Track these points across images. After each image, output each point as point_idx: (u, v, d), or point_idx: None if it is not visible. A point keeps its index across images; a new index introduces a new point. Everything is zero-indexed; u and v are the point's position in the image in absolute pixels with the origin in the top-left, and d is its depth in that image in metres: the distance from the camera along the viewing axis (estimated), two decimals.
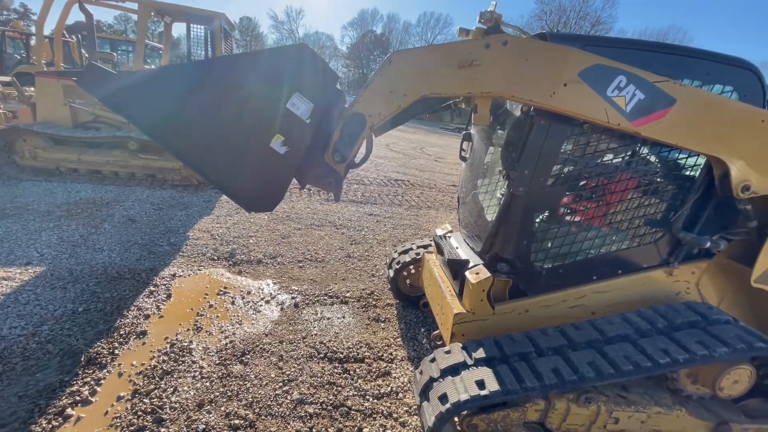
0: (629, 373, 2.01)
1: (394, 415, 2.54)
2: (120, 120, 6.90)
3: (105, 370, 2.58)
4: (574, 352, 2.18)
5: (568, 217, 2.44)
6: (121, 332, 2.96)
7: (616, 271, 2.57)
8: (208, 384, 2.57)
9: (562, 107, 2.07)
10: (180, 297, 3.54)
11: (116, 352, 2.75)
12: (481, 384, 2.03)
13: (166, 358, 2.74)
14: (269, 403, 2.48)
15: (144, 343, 2.89)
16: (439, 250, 3.20)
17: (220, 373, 2.67)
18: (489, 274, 2.47)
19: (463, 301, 2.61)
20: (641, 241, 2.53)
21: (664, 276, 2.58)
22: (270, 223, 5.68)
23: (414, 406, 2.63)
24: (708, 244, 2.35)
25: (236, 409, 2.39)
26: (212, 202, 6.33)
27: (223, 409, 2.39)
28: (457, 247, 3.00)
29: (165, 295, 3.51)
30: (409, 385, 2.84)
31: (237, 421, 2.31)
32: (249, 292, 3.77)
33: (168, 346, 2.86)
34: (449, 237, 3.24)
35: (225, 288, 3.79)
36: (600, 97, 2.04)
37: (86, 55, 9.09)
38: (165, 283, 3.73)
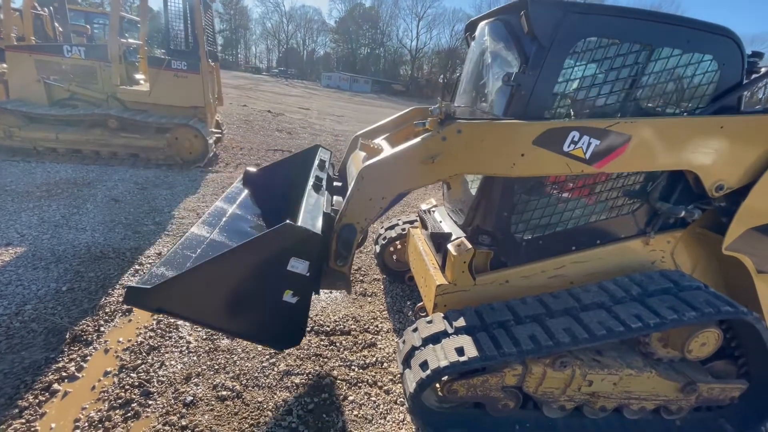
0: (602, 338, 2.09)
1: (379, 384, 2.62)
2: (98, 96, 6.69)
3: (91, 347, 2.59)
4: (552, 319, 2.25)
5: (547, 189, 2.47)
6: (107, 310, 2.96)
7: (595, 241, 2.62)
8: (195, 358, 2.61)
9: (525, 174, 2.22)
10: None
11: (102, 329, 2.77)
12: (460, 351, 2.10)
13: (152, 334, 2.76)
14: (256, 374, 2.53)
15: (130, 321, 2.90)
16: (424, 225, 3.23)
17: (207, 348, 2.71)
18: (470, 246, 2.51)
19: (445, 273, 2.66)
20: (619, 212, 2.57)
21: (641, 246, 2.65)
22: None
23: (398, 375, 2.71)
24: (683, 214, 2.40)
25: (223, 381, 2.44)
26: (197, 181, 6.24)
27: (210, 381, 2.44)
28: (440, 221, 3.03)
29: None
30: (393, 355, 2.91)
31: (224, 392, 2.36)
32: None
33: (154, 322, 2.88)
34: (433, 211, 3.26)
35: None
36: (558, 155, 2.17)
37: (60, 29, 8.69)
38: (151, 262, 3.71)
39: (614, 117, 2.27)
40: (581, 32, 2.12)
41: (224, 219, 2.79)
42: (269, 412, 2.27)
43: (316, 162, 3.08)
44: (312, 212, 2.05)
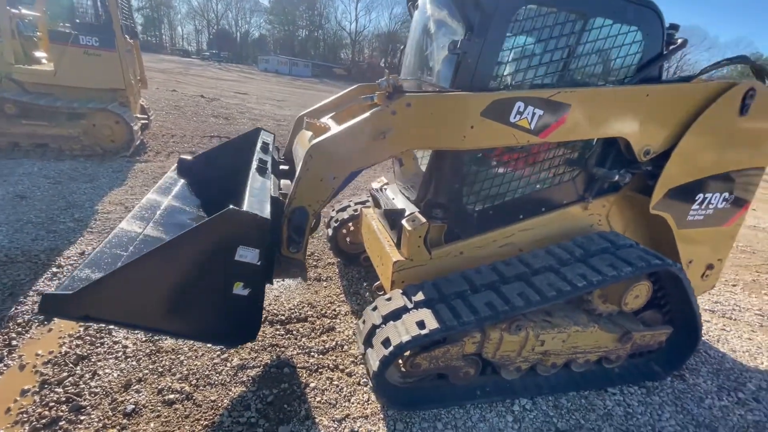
0: (553, 299, 2.19)
1: (341, 367, 2.56)
2: None
3: (1, 364, 2.24)
4: (506, 285, 2.32)
5: (495, 160, 2.51)
6: (19, 321, 2.57)
7: (540, 209, 2.73)
8: (134, 363, 2.36)
9: (475, 146, 2.23)
10: None
11: (14, 343, 2.39)
12: (421, 324, 2.09)
13: (80, 342, 2.45)
14: (207, 373, 2.35)
15: (50, 330, 2.55)
16: (376, 203, 3.17)
17: (147, 351, 2.46)
18: (425, 221, 2.50)
19: (401, 249, 2.63)
20: (561, 179, 2.70)
21: (581, 210, 2.81)
22: None
23: (359, 357, 2.67)
24: (616, 178, 2.57)
25: (170, 384, 2.24)
26: (123, 172, 5.63)
27: (154, 386, 2.22)
28: (393, 198, 2.98)
29: None
30: (353, 337, 2.86)
31: (172, 396, 2.16)
32: None
33: (81, 329, 2.55)
34: (385, 189, 3.21)
35: None
36: (506, 126, 2.20)
37: None
38: (72, 263, 3.29)
39: (554, 87, 2.34)
40: None
41: (159, 212, 2.51)
42: (224, 411, 2.12)
43: (259, 145, 2.87)
44: (258, 196, 1.90)
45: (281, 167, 3.02)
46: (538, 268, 2.41)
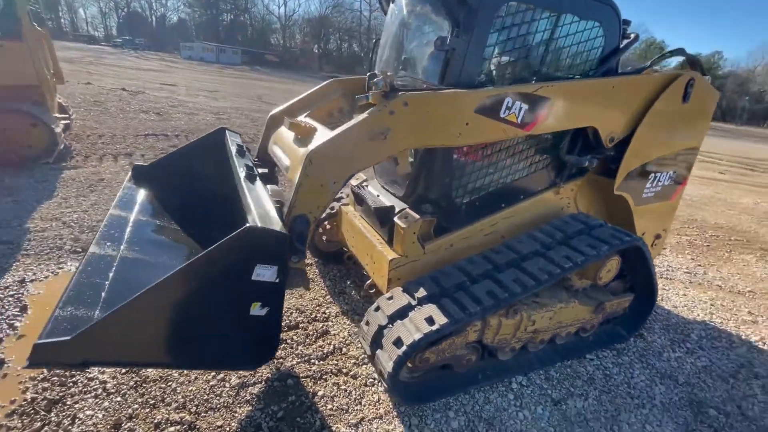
0: (546, 282, 2.35)
1: (344, 370, 2.54)
2: None
3: None
4: (501, 273, 2.43)
5: (482, 154, 2.59)
6: None
7: (520, 197, 2.88)
8: (119, 399, 2.13)
9: (469, 142, 2.29)
10: (44, 306, 2.77)
11: None
12: (430, 320, 2.13)
13: (47, 384, 2.15)
14: (206, 397, 2.20)
15: (5, 375, 2.21)
16: (358, 201, 3.12)
17: (132, 383, 2.23)
18: (418, 217, 2.52)
19: (394, 246, 2.64)
20: (537, 167, 2.86)
21: (553, 195, 3.01)
22: None
23: (361, 357, 2.66)
24: (586, 163, 2.79)
25: (167, 416, 2.06)
26: (50, 181, 4.94)
27: (149, 421, 2.03)
28: (378, 195, 2.96)
29: (18, 309, 2.69)
30: (350, 338, 2.84)
31: (172, 429, 2.00)
32: None
33: (46, 370, 2.24)
34: (367, 186, 3.17)
35: None
36: (496, 122, 2.27)
37: None
38: (12, 293, 2.85)
39: (531, 81, 2.46)
40: None
41: (128, 230, 2.26)
42: None
43: (233, 149, 2.67)
44: (263, 208, 1.77)
45: (259, 170, 2.85)
46: (526, 253, 2.56)
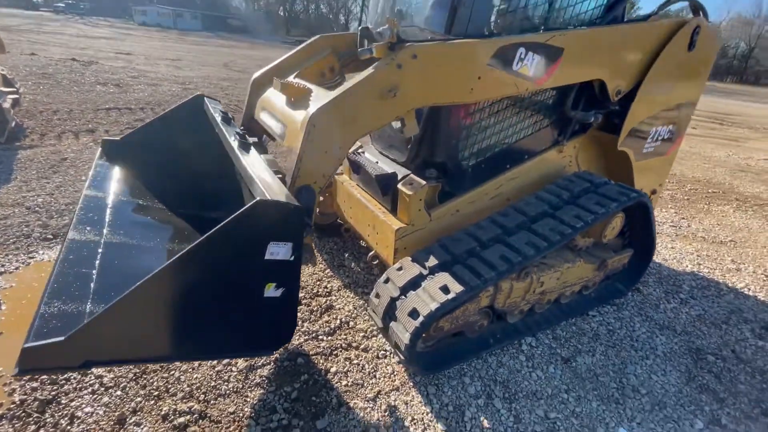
0: (557, 243, 2.29)
1: (354, 345, 2.47)
2: None
3: None
4: (511, 236, 2.36)
5: (488, 112, 2.44)
6: None
7: (524, 156, 2.78)
8: (120, 393, 1.99)
9: (481, 98, 2.13)
10: (19, 300, 2.53)
11: None
12: (445, 289, 2.05)
13: (36, 384, 1.98)
14: (213, 384, 2.09)
15: None
16: (355, 169, 2.94)
17: (131, 375, 2.09)
18: (424, 183, 2.39)
19: (398, 215, 2.51)
20: (541, 125, 2.75)
21: (556, 154, 2.93)
22: None
23: (370, 330, 2.59)
24: (592, 119, 2.69)
25: (174, 406, 1.94)
26: (5, 163, 4.47)
27: (155, 413, 1.91)
28: (377, 162, 2.79)
29: None
30: (355, 311, 2.75)
31: (181, 419, 1.89)
32: None
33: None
34: (363, 152, 2.99)
35: None
36: (509, 75, 2.10)
37: None
38: None
39: (540, 31, 2.28)
40: None
41: (107, 212, 2.03)
42: (249, 420, 1.92)
43: (218, 116, 2.41)
44: (267, 180, 1.59)
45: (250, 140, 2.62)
46: (534, 215, 2.49)
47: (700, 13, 2.88)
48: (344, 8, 76.62)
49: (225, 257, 1.31)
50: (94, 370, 2.10)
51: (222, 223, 1.24)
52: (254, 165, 1.71)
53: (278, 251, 1.38)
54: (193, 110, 2.84)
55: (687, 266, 3.90)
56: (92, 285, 1.52)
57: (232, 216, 1.26)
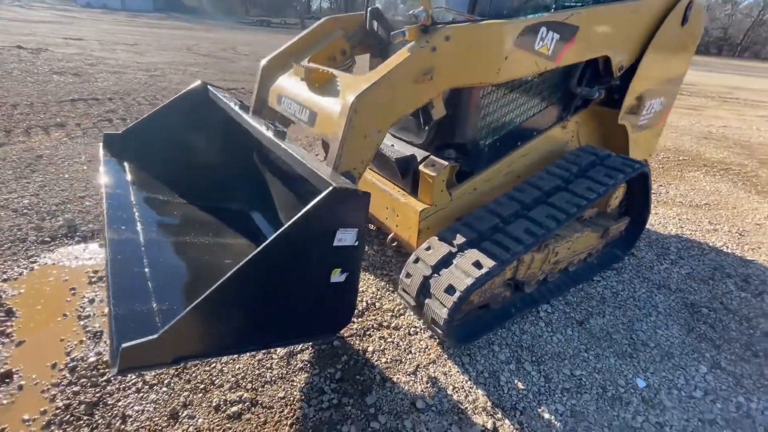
0: (575, 214, 2.43)
1: (384, 324, 2.55)
2: None
3: None
4: (531, 211, 2.47)
5: (505, 92, 2.50)
6: None
7: (533, 133, 2.88)
8: (165, 389, 1.98)
9: (506, 78, 2.16)
10: (31, 307, 2.42)
11: None
12: (478, 264, 2.14)
13: (78, 388, 1.94)
14: (257, 372, 2.12)
15: (20, 387, 1.95)
16: None
17: (172, 371, 2.08)
18: (446, 163, 2.44)
19: (420, 196, 2.57)
20: (549, 102, 2.84)
21: (560, 130, 3.05)
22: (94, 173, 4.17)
23: (397, 309, 2.67)
24: (596, 95, 2.81)
25: (224, 397, 1.97)
26: None
27: (207, 405, 1.93)
28: (392, 145, 2.81)
29: (4, 315, 2.34)
30: (379, 293, 2.82)
31: (234, 408, 1.91)
32: None
33: (68, 372, 2.01)
34: None
35: (96, 271, 2.75)
36: (531, 54, 2.16)
37: None
38: None
39: (552, 9, 2.34)
40: None
41: (134, 209, 1.97)
42: (301, 403, 1.98)
43: (234, 105, 2.34)
44: (321, 168, 1.59)
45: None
46: (548, 189, 2.61)
47: None
48: None
49: (301, 246, 1.33)
50: None
51: (300, 214, 1.26)
52: (299, 152, 1.70)
53: (345, 237, 1.41)
54: (196, 100, 2.75)
55: (671, 230, 4.20)
56: (150, 284, 1.50)
57: (309, 206, 1.27)
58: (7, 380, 1.97)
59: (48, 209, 3.45)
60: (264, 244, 1.21)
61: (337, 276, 1.48)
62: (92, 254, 2.96)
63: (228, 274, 1.16)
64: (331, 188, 1.30)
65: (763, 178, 6.13)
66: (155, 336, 1.09)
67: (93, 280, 2.68)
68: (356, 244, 1.47)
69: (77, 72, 9.06)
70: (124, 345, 1.05)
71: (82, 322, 2.34)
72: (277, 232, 1.23)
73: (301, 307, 1.48)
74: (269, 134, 1.88)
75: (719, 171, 6.30)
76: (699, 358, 2.50)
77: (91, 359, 2.10)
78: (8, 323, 2.29)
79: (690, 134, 8.69)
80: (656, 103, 3.26)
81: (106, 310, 1.82)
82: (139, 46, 14.82)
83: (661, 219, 4.42)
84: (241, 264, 1.17)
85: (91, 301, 2.51)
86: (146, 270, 1.58)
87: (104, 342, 2.22)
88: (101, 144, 2.55)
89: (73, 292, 2.57)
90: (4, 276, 2.65)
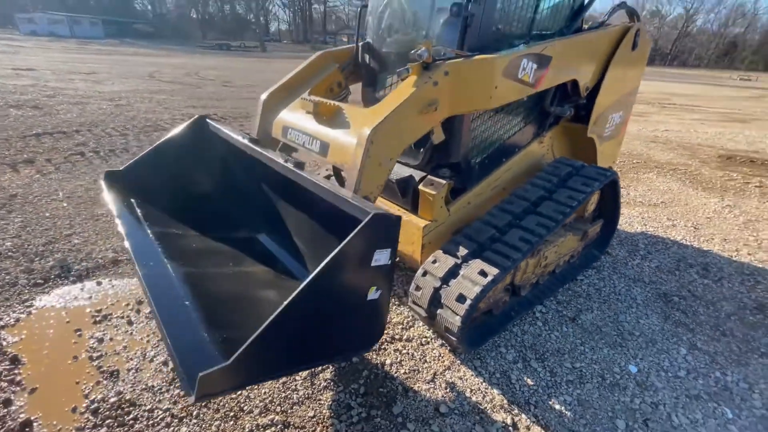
0: (561, 221, 2.69)
1: (396, 337, 2.67)
2: None
3: None
4: (522, 220, 2.71)
5: (491, 115, 2.76)
6: None
7: (515, 149, 3.16)
8: (195, 421, 2.00)
9: (496, 105, 2.40)
10: (37, 353, 2.36)
11: None
12: (483, 273, 2.34)
13: (105, 430, 1.92)
14: (284, 395, 2.18)
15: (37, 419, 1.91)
16: None
17: (200, 403, 2.10)
18: (444, 182, 2.65)
19: (421, 213, 2.75)
20: (527, 121, 3.14)
21: (537, 145, 3.35)
22: (81, 205, 4.06)
23: (407, 321, 2.81)
24: (567, 112, 3.14)
25: (256, 422, 2.01)
26: None
27: (239, 431, 1.97)
28: None
29: (9, 363, 2.26)
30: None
31: None
32: (140, 301, 2.83)
33: (90, 414, 1.99)
34: None
35: (99, 310, 2.71)
36: (515, 83, 2.42)
37: None
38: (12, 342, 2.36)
39: (527, 41, 2.64)
40: None
41: (156, 245, 2.02)
42: (332, 420, 2.06)
43: (243, 139, 2.44)
44: (348, 195, 1.73)
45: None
46: (535, 200, 2.88)
47: (635, 18, 3.47)
48: (263, 9, 73.97)
49: (346, 269, 1.46)
50: (157, 405, 2.07)
51: (347, 240, 1.39)
52: (325, 183, 1.84)
53: (381, 258, 1.55)
54: (197, 135, 2.83)
55: (637, 228, 4.62)
56: (193, 314, 1.57)
57: (355, 232, 1.41)
58: (27, 430, 1.92)
59: (35, 250, 3.34)
60: (314, 273, 1.33)
61: (373, 293, 1.61)
62: (91, 293, 2.91)
63: (285, 303, 1.27)
64: (371, 215, 1.44)
65: (705, 175, 6.83)
66: (227, 363, 1.18)
67: (98, 319, 2.64)
68: (390, 262, 1.61)
69: (36, 105, 8.70)
70: (202, 374, 1.13)
71: (95, 363, 2.30)
72: (324, 261, 1.35)
73: (342, 325, 1.60)
74: (289, 165, 2.01)
75: (669, 171, 6.95)
76: (678, 342, 2.80)
77: (113, 399, 2.08)
78: (16, 371, 2.22)
79: (639, 139, 9.51)
80: (617, 116, 3.66)
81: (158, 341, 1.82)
82: (98, 75, 14.39)
83: (626, 218, 4.85)
84: (295, 293, 1.29)
85: (100, 340, 2.47)
86: (187, 302, 1.64)
87: (122, 381, 2.21)
88: (102, 181, 2.56)
89: (78, 333, 2.52)
90: (1, 323, 2.56)
